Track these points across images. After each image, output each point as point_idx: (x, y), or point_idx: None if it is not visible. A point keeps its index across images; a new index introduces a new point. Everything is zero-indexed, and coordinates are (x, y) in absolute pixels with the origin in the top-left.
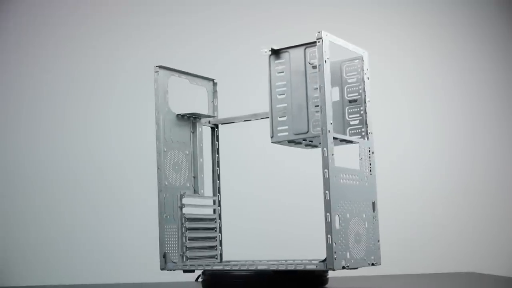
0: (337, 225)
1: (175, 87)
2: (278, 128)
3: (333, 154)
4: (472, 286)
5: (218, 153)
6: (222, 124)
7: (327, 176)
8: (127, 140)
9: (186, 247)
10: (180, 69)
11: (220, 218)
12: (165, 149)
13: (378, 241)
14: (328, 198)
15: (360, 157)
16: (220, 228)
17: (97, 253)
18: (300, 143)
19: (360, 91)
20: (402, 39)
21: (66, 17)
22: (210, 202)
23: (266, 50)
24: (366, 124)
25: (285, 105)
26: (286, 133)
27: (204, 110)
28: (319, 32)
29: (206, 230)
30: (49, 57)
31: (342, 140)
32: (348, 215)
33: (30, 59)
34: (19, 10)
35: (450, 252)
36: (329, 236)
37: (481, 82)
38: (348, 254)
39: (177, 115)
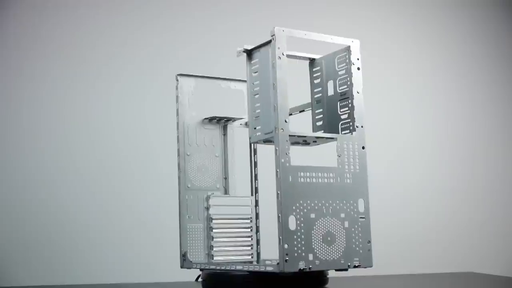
0: (291, 226)
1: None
2: (255, 128)
3: (287, 153)
4: (472, 286)
5: (255, 153)
6: None
7: (279, 176)
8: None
9: (212, 246)
10: (201, 74)
11: (257, 218)
12: (188, 153)
13: (369, 242)
14: (279, 199)
15: (338, 153)
16: (257, 227)
17: (97, 253)
18: None
19: (349, 83)
20: (402, 37)
21: (67, 17)
22: (243, 202)
23: (240, 51)
24: (354, 117)
25: (259, 104)
26: (260, 133)
27: (237, 111)
28: (273, 28)
29: (238, 229)
30: (49, 57)
31: (320, 137)
32: (312, 215)
33: (32, 59)
34: (19, 10)
35: (450, 252)
36: (280, 237)
37: (482, 81)
38: (311, 255)
39: (204, 119)
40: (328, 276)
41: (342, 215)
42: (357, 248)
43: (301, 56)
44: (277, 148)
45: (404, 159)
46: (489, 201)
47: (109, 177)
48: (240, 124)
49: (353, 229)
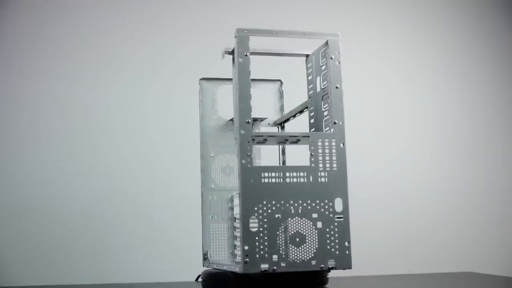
0: (252, 227)
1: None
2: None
3: (249, 154)
4: (472, 286)
5: (284, 153)
6: (285, 122)
7: (239, 177)
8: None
9: (235, 245)
10: (222, 77)
11: None
12: (212, 155)
13: (348, 242)
14: (240, 199)
15: (310, 152)
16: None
17: (97, 254)
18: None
19: (328, 78)
20: (402, 37)
21: (67, 17)
22: None
23: (223, 52)
24: (331, 113)
25: None
26: None
27: (263, 112)
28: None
29: None
30: (49, 57)
31: (292, 136)
32: (278, 216)
33: (32, 59)
34: (19, 10)
35: (449, 252)
36: (240, 238)
37: (482, 81)
38: (275, 257)
39: (229, 120)
40: (328, 276)
41: (315, 215)
42: (333, 249)
43: (296, 54)
44: (238, 149)
45: (404, 159)
46: (489, 201)
47: (108, 176)
48: (268, 124)
49: (328, 230)
